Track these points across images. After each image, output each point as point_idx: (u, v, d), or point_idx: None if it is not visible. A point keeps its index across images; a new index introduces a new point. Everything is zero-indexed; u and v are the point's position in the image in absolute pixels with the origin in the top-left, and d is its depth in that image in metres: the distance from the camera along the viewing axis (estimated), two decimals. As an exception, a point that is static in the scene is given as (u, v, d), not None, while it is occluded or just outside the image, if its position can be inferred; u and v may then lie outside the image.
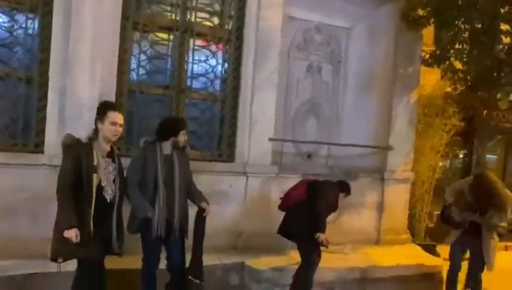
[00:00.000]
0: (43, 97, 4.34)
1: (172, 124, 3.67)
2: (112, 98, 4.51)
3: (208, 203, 3.73)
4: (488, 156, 8.91)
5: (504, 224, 4.42)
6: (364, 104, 6.25)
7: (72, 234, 2.92)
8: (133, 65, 4.80)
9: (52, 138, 4.30)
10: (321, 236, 4.08)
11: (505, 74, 5.09)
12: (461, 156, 8.68)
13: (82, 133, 4.18)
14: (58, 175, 3.07)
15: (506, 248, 8.48)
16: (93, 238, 3.03)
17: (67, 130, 4.25)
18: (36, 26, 4.34)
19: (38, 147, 4.33)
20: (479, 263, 4.50)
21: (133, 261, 3.62)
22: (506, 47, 5.13)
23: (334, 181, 4.48)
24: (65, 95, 4.32)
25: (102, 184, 3.11)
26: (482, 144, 5.88)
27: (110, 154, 3.24)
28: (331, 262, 4.80)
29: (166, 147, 3.56)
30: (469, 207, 4.49)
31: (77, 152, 3.04)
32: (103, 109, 3.24)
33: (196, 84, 5.11)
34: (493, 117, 6.20)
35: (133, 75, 4.82)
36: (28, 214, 4.12)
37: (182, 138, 3.61)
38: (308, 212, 4.13)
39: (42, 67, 4.33)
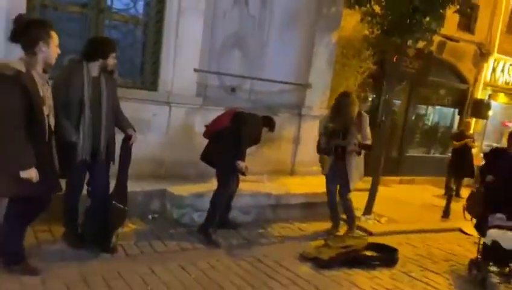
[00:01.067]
0: None
1: (102, 45, 3.43)
2: (22, 12, 4.09)
3: (134, 131, 3.68)
4: (394, 100, 9.72)
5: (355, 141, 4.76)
6: (288, 41, 6.36)
7: (33, 174, 2.76)
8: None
9: None
10: (240, 164, 4.27)
11: (416, 21, 5.47)
12: (370, 99, 9.36)
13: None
14: None
15: (400, 181, 9.61)
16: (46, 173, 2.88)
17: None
18: None
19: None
20: (345, 185, 4.93)
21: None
22: (420, -6, 5.47)
23: (259, 115, 4.62)
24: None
25: (47, 113, 2.89)
26: (390, 88, 6.36)
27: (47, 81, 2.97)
28: (250, 189, 5.09)
29: (94, 68, 3.35)
30: (333, 133, 4.81)
31: (21, 83, 2.69)
32: (46, 28, 2.85)
33: (117, 5, 4.80)
34: (402, 62, 6.68)
35: (46, -11, 4.38)
36: None
37: (112, 61, 3.41)
38: (230, 140, 4.26)
39: None
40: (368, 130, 4.87)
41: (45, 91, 2.89)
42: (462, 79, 10.47)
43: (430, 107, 10.86)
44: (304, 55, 6.34)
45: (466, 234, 6.03)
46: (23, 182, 2.78)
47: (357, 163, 4.92)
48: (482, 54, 10.23)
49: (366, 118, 4.90)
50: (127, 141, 3.64)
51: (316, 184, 5.65)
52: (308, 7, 6.25)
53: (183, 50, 5.05)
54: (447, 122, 11.15)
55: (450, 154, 9.16)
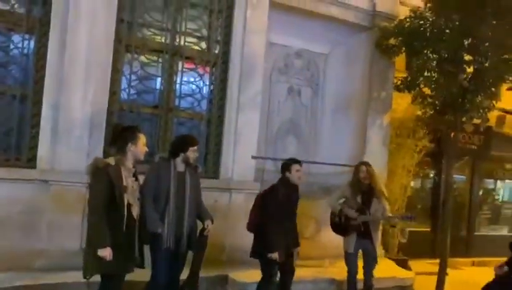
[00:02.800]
0: (37, 113, 4.50)
1: (181, 141, 3.84)
2: (104, 116, 4.73)
3: (212, 222, 3.89)
4: (456, 176, 9.44)
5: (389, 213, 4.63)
6: (341, 125, 6.63)
7: (106, 253, 3.08)
8: (124, 85, 5.02)
9: (44, 153, 4.47)
10: (272, 256, 4.06)
11: (468, 100, 5.55)
12: (431, 175, 9.17)
13: (73, 148, 4.44)
14: (90, 196, 3.22)
15: (473, 263, 8.95)
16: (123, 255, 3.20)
17: (58, 145, 4.45)
18: (32, 46, 4.53)
19: (30, 162, 4.47)
20: (372, 261, 4.69)
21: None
22: (469, 75, 5.61)
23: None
24: (58, 112, 4.50)
25: (130, 202, 3.26)
26: (449, 164, 6.28)
27: (133, 174, 3.39)
28: (311, 275, 5.05)
29: (179, 164, 3.72)
30: (356, 210, 4.61)
31: (108, 174, 3.16)
32: (134, 132, 3.36)
33: (184, 104, 5.36)
34: (459, 139, 6.66)
35: (124, 95, 5.04)
36: (20, 227, 4.23)
37: (192, 154, 3.75)
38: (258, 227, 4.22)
39: (37, 85, 4.51)
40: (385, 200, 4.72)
41: (129, 182, 3.28)
42: (528, 152, 10.01)
43: (498, 182, 10.37)
44: (358, 137, 6.53)
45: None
46: (101, 260, 3.08)
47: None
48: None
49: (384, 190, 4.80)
50: (203, 232, 3.84)
51: (381, 268, 5.47)
52: (358, 92, 6.57)
53: (242, 140, 5.43)
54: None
55: None
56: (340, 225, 4.79)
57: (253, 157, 5.58)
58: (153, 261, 3.62)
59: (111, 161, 3.23)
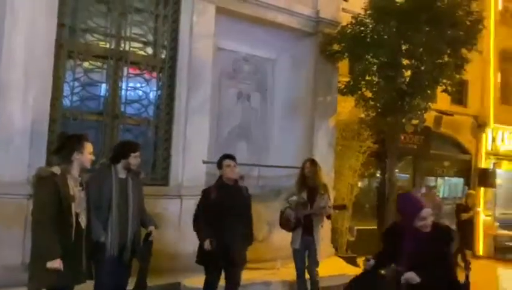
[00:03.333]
0: (-28, 122, 4.26)
1: (122, 147, 3.76)
2: (46, 124, 4.55)
3: (156, 227, 3.82)
4: (400, 174, 9.92)
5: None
6: (289, 129, 6.78)
7: (57, 265, 2.95)
8: (67, 92, 4.86)
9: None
10: (204, 245, 3.97)
11: (406, 102, 5.90)
12: (378, 175, 9.57)
13: (13, 158, 4.23)
14: (35, 207, 3.06)
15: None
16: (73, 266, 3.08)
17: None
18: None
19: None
20: (314, 256, 4.80)
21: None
22: (407, 79, 5.95)
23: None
24: (-5, 120, 4.28)
25: (77, 211, 3.15)
26: (392, 164, 6.61)
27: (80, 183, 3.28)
28: (263, 277, 5.10)
29: (120, 170, 3.64)
30: (301, 205, 4.76)
31: (54, 184, 3.05)
32: (80, 140, 3.27)
33: (130, 110, 5.27)
34: (401, 139, 7.01)
35: (67, 102, 4.88)
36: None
37: (133, 160, 3.67)
38: None
39: (-29, 93, 4.27)
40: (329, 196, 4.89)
41: (76, 192, 3.17)
42: (464, 150, 10.72)
43: (439, 179, 10.99)
44: (307, 140, 6.70)
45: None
46: (51, 273, 2.95)
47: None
48: (479, 125, 10.59)
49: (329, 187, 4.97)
50: (148, 239, 3.77)
51: (330, 266, 5.64)
52: (305, 97, 6.75)
53: (192, 146, 5.42)
54: (458, 192, 11.16)
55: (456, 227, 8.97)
56: (283, 220, 4.90)
57: (204, 162, 5.58)
58: (96, 271, 3.50)
59: (56, 170, 3.11)
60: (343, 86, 6.39)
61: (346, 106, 7.03)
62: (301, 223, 4.76)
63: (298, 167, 6.56)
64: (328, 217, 4.84)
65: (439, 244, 3.02)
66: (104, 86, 5.12)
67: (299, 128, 6.75)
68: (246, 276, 4.90)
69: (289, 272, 5.56)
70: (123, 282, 3.68)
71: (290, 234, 5.41)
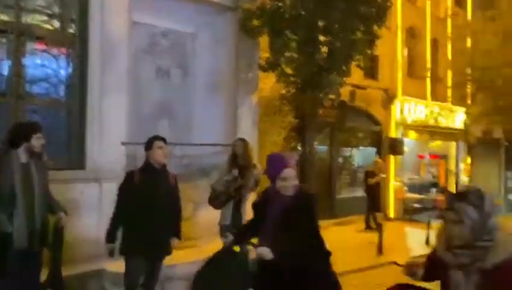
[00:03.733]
0: None
1: (23, 129, 3.43)
2: None
3: (66, 214, 3.62)
4: (319, 147, 10.38)
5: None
6: (213, 106, 6.71)
7: None
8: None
9: None
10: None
11: (324, 78, 6.11)
12: (299, 148, 9.90)
13: None
14: None
15: (338, 224, 9.95)
16: None
17: None
18: None
19: None
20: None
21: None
22: (324, 55, 6.15)
23: None
24: None
25: None
26: (311, 137, 6.86)
27: None
28: (189, 256, 5.09)
29: (22, 154, 3.33)
30: (232, 181, 4.73)
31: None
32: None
33: (37, 90, 4.84)
34: (319, 114, 7.28)
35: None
36: None
37: (36, 142, 3.36)
38: None
39: None
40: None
41: None
42: (375, 121, 11.48)
43: (354, 149, 11.67)
44: (229, 117, 6.69)
45: (400, 265, 6.41)
46: None
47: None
48: (389, 98, 11.36)
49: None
50: (58, 226, 3.57)
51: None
52: (227, 73, 6.70)
53: (108, 126, 5.14)
54: (370, 161, 11.97)
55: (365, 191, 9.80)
56: (216, 198, 4.81)
57: (123, 143, 5.33)
58: (2, 264, 3.26)
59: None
60: (263, 62, 6.42)
61: (268, 83, 7.11)
62: (232, 197, 4.73)
63: (222, 145, 6.59)
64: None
65: (300, 210, 2.66)
66: (5, 63, 4.62)
67: (222, 105, 6.71)
68: (173, 255, 4.86)
69: (214, 249, 5.61)
70: (34, 275, 3.45)
71: (215, 212, 5.43)
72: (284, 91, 6.65)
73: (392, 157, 11.57)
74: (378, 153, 11.23)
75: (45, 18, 4.86)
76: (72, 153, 5.04)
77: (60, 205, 3.64)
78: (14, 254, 3.26)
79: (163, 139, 3.80)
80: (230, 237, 2.97)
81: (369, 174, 9.64)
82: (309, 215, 2.73)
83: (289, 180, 2.67)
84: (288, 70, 6.30)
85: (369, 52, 6.53)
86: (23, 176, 3.30)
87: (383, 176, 9.93)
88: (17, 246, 3.25)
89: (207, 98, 6.74)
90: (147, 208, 3.59)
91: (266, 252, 2.53)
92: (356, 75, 9.50)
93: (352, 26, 5.99)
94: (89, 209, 5.01)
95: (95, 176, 5.08)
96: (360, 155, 11.85)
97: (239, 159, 4.81)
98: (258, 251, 2.57)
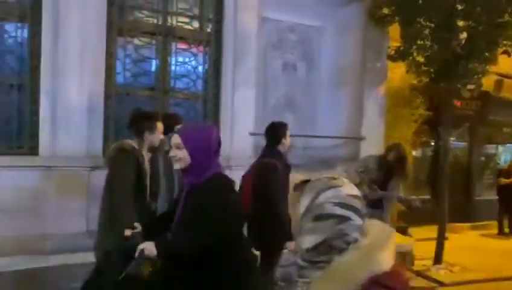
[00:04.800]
0: (35, 102, 4.57)
1: (167, 119, 3.88)
2: (101, 101, 4.80)
3: None
4: (456, 142, 9.52)
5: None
6: (337, 98, 6.66)
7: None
8: (119, 69, 5.06)
9: (45, 140, 4.56)
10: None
11: (461, 66, 5.57)
12: (432, 144, 9.25)
13: (73, 134, 4.53)
14: (116, 178, 3.19)
15: (472, 227, 9.12)
16: None
17: (58, 132, 4.54)
18: (26, 34, 4.57)
19: (33, 149, 4.56)
20: None
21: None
22: (462, 42, 5.61)
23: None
24: (56, 100, 4.57)
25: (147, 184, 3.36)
26: (446, 131, 6.34)
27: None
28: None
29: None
30: (374, 183, 4.63)
31: (135, 157, 3.21)
32: (152, 120, 3.38)
33: (179, 85, 5.41)
34: (456, 105, 6.69)
35: (120, 79, 5.09)
36: (26, 213, 4.36)
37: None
38: None
39: (33, 73, 4.56)
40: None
41: (147, 167, 3.38)
42: (526, 115, 10.04)
43: (499, 147, 10.43)
44: (355, 109, 6.57)
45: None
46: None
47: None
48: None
49: None
50: None
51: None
52: (353, 64, 6.57)
53: (239, 118, 5.50)
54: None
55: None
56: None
57: (251, 134, 5.66)
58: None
59: (135, 144, 3.29)
60: (392, 51, 6.12)
61: (397, 73, 6.77)
62: (370, 202, 4.57)
63: (345, 137, 6.51)
64: (409, 208, 4.74)
65: (194, 196, 2.16)
66: (154, 61, 5.28)
67: (347, 97, 6.61)
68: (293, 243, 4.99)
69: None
70: None
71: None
72: (415, 81, 6.26)
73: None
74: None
75: (187, 20, 5.38)
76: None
77: None
78: None
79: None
80: (139, 228, 2.54)
81: (502, 173, 8.68)
82: (200, 205, 2.10)
83: (173, 150, 2.20)
84: (420, 59, 5.90)
85: (518, 36, 5.75)
86: (165, 162, 3.74)
87: None
88: None
89: (332, 90, 6.71)
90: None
91: (150, 247, 2.02)
92: (504, 63, 8.47)
93: (498, 8, 5.34)
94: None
95: (227, 163, 5.49)
96: (508, 153, 10.53)
97: (388, 161, 4.63)
98: (142, 246, 2.04)
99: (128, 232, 3.05)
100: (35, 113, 4.58)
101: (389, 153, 4.72)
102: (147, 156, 3.39)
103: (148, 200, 3.43)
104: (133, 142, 3.28)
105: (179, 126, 3.86)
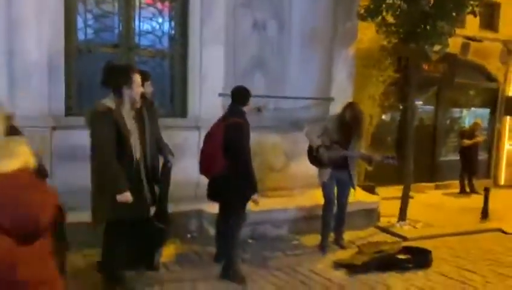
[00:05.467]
0: (-10, 58, 4.32)
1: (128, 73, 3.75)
2: (61, 58, 4.58)
3: (173, 156, 3.98)
4: (424, 106, 9.72)
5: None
6: (308, 59, 6.60)
7: (126, 198, 3.16)
8: (80, 25, 4.82)
9: (4, 99, 4.33)
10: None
11: (430, 27, 5.59)
12: (400, 107, 9.38)
13: (33, 93, 4.33)
14: (96, 142, 3.16)
15: (436, 187, 9.47)
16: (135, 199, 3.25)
17: (16, 90, 4.33)
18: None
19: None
20: (347, 191, 4.92)
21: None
22: (431, 1, 5.60)
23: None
24: (14, 57, 4.32)
25: (133, 144, 3.29)
26: (412, 92, 6.42)
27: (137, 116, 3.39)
28: (281, 203, 5.28)
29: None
30: (336, 143, 4.75)
31: (111, 118, 3.12)
32: (128, 74, 3.27)
33: (144, 42, 5.22)
34: (423, 68, 6.76)
35: (81, 35, 4.85)
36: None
37: (147, 89, 3.75)
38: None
39: (-14, 27, 4.29)
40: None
41: (131, 125, 3.29)
42: (491, 78, 10.31)
43: (464, 110, 10.72)
44: (325, 70, 6.55)
45: (507, 233, 5.94)
46: (119, 206, 3.15)
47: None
48: (509, 51, 10.05)
49: None
50: (166, 166, 3.93)
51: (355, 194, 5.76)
52: (324, 25, 6.49)
53: (208, 77, 5.38)
54: (484, 123, 10.90)
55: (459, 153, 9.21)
56: (316, 158, 4.87)
57: (220, 94, 5.57)
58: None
59: (110, 103, 3.17)
60: (362, 10, 6.07)
61: (367, 34, 6.75)
62: (335, 162, 4.76)
63: (315, 98, 6.52)
64: (370, 162, 4.83)
65: None
66: (116, 17, 5.05)
67: (318, 58, 6.56)
68: (265, 203, 5.09)
69: (306, 199, 5.73)
70: (144, 211, 3.85)
71: (307, 164, 5.49)
72: (384, 42, 6.26)
73: (508, 118, 10.40)
74: (492, 113, 10.18)
75: (152, -27, 5.14)
76: (176, 101, 5.41)
77: (168, 149, 3.99)
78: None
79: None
80: None
81: (465, 134, 9.04)
82: None
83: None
84: (390, 19, 5.88)
85: (483, -3, 5.80)
86: (136, 121, 3.64)
87: (482, 138, 9.27)
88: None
89: (302, 50, 6.63)
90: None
91: None
92: (471, 26, 8.57)
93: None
94: (190, 155, 5.39)
95: (195, 124, 5.42)
96: (472, 116, 10.84)
97: (346, 121, 4.69)
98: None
99: (122, 197, 3.14)
100: (-10, 70, 4.34)
101: (345, 112, 4.79)
102: (130, 113, 3.28)
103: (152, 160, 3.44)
104: (108, 102, 3.17)
105: (148, 82, 3.76)
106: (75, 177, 4.14)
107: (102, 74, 3.30)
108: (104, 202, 3.21)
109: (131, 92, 3.24)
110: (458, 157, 9.41)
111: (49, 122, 4.42)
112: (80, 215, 3.37)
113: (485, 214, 6.80)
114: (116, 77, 3.22)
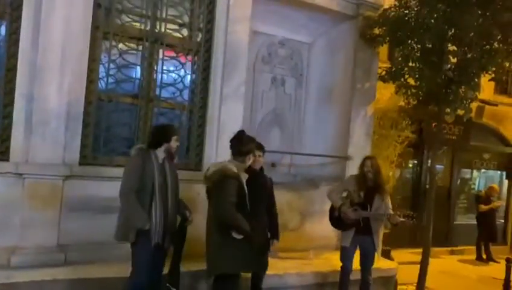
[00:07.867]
0: (10, 103, 4.26)
1: (165, 131, 3.74)
2: (81, 107, 4.52)
3: (190, 213, 3.81)
4: (437, 166, 9.56)
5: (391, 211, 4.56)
6: (325, 116, 6.57)
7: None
8: (102, 74, 4.81)
9: (18, 145, 4.24)
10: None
11: (452, 91, 5.56)
12: (410, 165, 9.25)
13: (49, 140, 4.22)
14: (221, 204, 3.35)
15: (451, 252, 9.13)
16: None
17: (33, 137, 4.23)
18: (3, 32, 4.27)
19: (3, 154, 4.23)
20: (371, 258, 4.66)
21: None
22: (453, 66, 5.61)
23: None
24: (32, 102, 4.27)
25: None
26: (433, 155, 6.30)
27: None
28: (296, 267, 5.00)
29: (160, 154, 3.63)
30: (358, 205, 4.53)
31: (238, 183, 3.41)
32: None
33: (165, 94, 5.18)
34: (441, 129, 6.68)
35: (102, 84, 4.83)
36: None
37: (175, 143, 3.68)
38: None
39: (9, 73, 4.26)
40: (389, 198, 4.68)
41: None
42: (506, 142, 10.23)
43: (475, 171, 10.56)
44: (342, 128, 6.48)
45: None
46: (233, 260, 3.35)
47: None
48: (525, 117, 10.03)
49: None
50: (184, 223, 3.74)
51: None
52: (342, 83, 6.50)
53: (226, 131, 5.27)
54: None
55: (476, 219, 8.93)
56: (339, 220, 4.64)
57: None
58: (137, 258, 3.48)
59: (234, 167, 3.41)
60: (383, 72, 6.08)
61: (385, 94, 6.75)
62: (359, 224, 4.53)
63: (331, 156, 6.40)
64: (395, 225, 4.60)
65: None
66: (139, 68, 5.04)
67: (335, 116, 6.53)
68: (280, 265, 4.84)
69: (322, 262, 5.45)
70: (160, 267, 3.66)
71: (321, 225, 5.25)
72: (403, 103, 6.22)
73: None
74: (508, 177, 10.00)
75: (176, 27, 5.18)
76: (191, 154, 5.29)
77: (185, 204, 3.82)
78: (150, 250, 3.48)
79: (262, 148, 4.25)
80: None
81: (480, 199, 8.80)
82: None
83: None
84: (411, 81, 5.87)
85: (507, 64, 5.80)
86: (160, 174, 3.53)
87: (500, 203, 9.09)
88: (153, 243, 3.46)
89: (320, 107, 6.63)
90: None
91: None
92: (485, 90, 8.58)
93: (489, 35, 5.36)
94: (203, 210, 5.19)
95: (209, 178, 5.26)
96: (483, 178, 10.67)
97: (367, 180, 4.54)
98: None
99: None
100: (8, 115, 4.26)
101: (363, 166, 4.63)
102: (243, 177, 3.48)
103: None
104: (233, 166, 3.39)
105: (176, 137, 3.68)
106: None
107: (232, 140, 3.61)
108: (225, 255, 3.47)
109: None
110: (472, 221, 9.13)
111: (62, 171, 4.28)
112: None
113: (506, 287, 6.43)
114: (248, 145, 3.57)
